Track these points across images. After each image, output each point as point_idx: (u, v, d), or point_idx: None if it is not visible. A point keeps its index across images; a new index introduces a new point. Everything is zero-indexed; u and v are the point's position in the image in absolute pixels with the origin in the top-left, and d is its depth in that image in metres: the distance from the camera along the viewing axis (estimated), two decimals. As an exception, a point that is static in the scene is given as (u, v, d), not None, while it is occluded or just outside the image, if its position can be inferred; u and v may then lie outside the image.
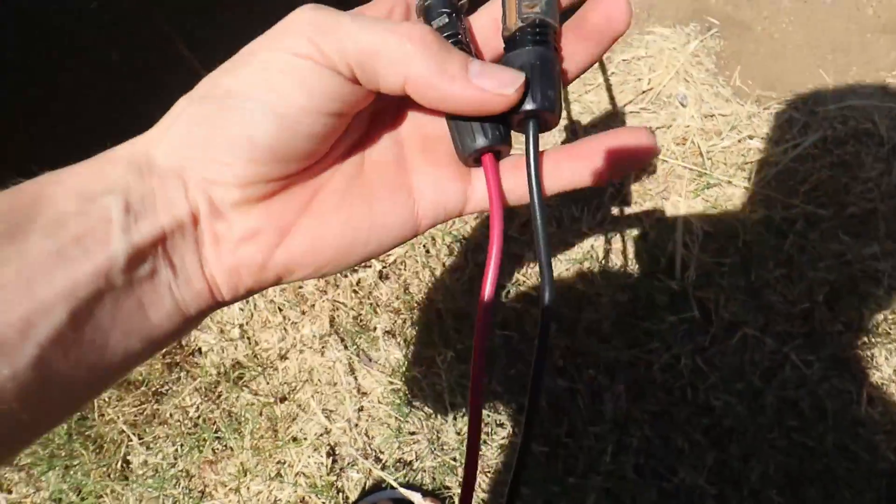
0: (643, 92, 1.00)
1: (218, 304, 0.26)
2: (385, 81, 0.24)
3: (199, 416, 0.99)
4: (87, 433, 1.01)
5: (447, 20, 0.26)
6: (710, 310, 0.86)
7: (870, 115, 0.90)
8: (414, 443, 0.91)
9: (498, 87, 0.24)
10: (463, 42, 0.26)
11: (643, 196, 0.92)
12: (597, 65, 1.03)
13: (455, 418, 0.91)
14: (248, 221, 0.26)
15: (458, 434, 0.89)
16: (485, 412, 0.89)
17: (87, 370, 0.23)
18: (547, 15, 0.26)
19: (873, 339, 0.82)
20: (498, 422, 0.89)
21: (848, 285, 0.83)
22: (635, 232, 0.91)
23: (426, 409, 0.92)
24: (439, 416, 0.91)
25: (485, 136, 0.25)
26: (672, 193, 0.92)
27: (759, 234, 0.87)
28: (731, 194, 0.90)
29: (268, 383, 0.99)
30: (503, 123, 0.26)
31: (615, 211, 0.92)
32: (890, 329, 0.82)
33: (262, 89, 0.24)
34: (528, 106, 0.25)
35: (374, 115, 0.28)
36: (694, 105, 0.96)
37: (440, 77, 0.24)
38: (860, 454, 0.77)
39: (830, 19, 1.00)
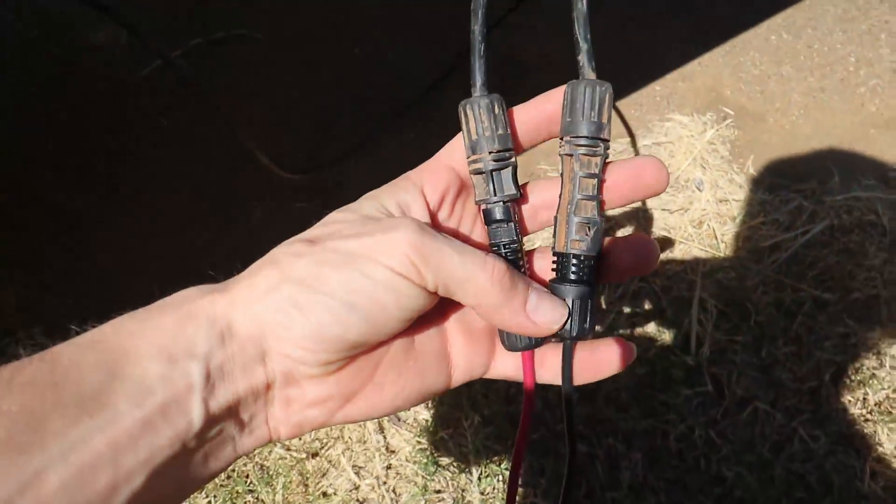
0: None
1: (272, 442, 0.31)
2: (461, 299, 0.30)
3: (232, 470, 1.07)
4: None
5: (509, 258, 0.32)
6: (723, 384, 0.94)
7: (873, 206, 1.01)
8: (439, 501, 0.98)
9: (548, 323, 0.30)
10: (517, 248, 0.32)
11: (662, 276, 1.02)
12: (620, 149, 1.14)
13: (479, 478, 0.98)
14: (320, 390, 0.30)
15: (482, 493, 0.97)
16: (507, 474, 0.97)
17: None
18: (591, 251, 0.31)
19: (876, 417, 0.90)
20: (521, 482, 0.96)
21: (852, 365, 0.92)
22: (653, 309, 1.00)
23: (452, 468, 1.00)
24: (464, 476, 0.98)
25: (529, 340, 0.32)
26: (689, 274, 1.01)
27: (770, 315, 0.96)
28: (744, 276, 1.00)
29: (300, 439, 1.07)
30: None
31: (634, 288, 1.01)
32: (892, 408, 0.90)
33: (363, 297, 0.28)
34: (572, 333, 0.31)
35: None
36: (710, 190, 1.07)
37: (505, 309, 0.30)
38: (864, 528, 0.84)
39: (837, 114, 1.11)
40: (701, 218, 1.04)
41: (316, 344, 0.28)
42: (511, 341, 0.32)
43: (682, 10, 1.25)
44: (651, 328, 0.99)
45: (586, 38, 0.31)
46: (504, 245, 0.32)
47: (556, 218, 0.32)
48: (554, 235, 0.33)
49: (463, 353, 0.33)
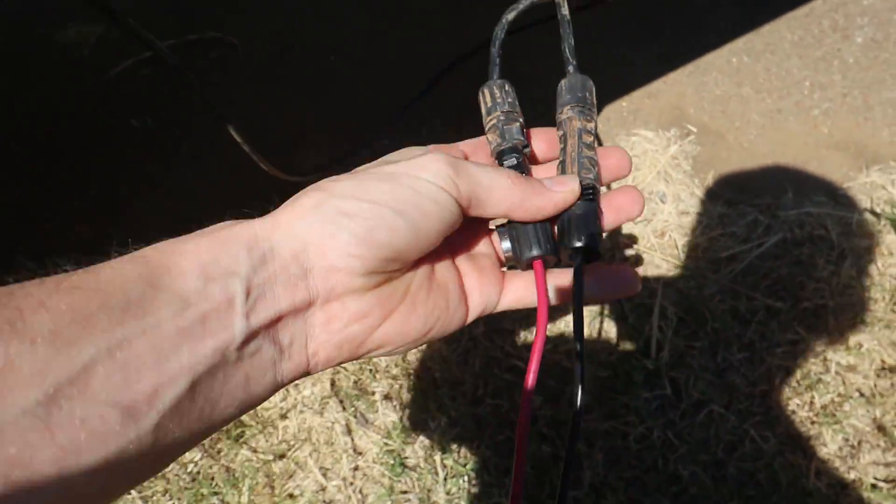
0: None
1: (307, 374, 0.32)
2: (489, 206, 0.34)
3: (198, 472, 1.12)
4: (83, 485, 1.13)
5: (515, 162, 0.38)
6: (681, 388, 1.04)
7: (823, 221, 1.12)
8: (406, 501, 1.05)
9: (569, 191, 0.36)
10: (595, 140, 0.39)
11: (624, 282, 1.11)
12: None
13: (445, 479, 1.05)
14: (361, 304, 0.32)
15: (448, 494, 1.04)
16: (473, 474, 1.05)
17: (190, 433, 0.27)
18: (596, 181, 0.38)
19: (822, 419, 1.00)
20: (486, 482, 1.04)
21: (801, 370, 1.03)
22: (616, 316, 1.10)
23: (418, 469, 1.06)
24: (430, 477, 1.05)
25: (539, 247, 0.36)
26: (650, 282, 1.11)
27: (726, 322, 1.06)
28: (703, 285, 1.10)
29: (267, 441, 1.13)
30: (551, 242, 0.37)
31: (599, 294, 1.11)
32: (836, 411, 1.00)
33: (410, 206, 0.31)
34: (578, 244, 0.36)
35: None
36: (672, 202, 1.17)
37: (530, 197, 0.35)
38: (808, 522, 0.94)
39: (792, 134, 1.23)
40: (663, 229, 1.14)
41: (365, 249, 0.30)
42: (522, 251, 0.37)
43: (650, 32, 1.36)
44: (613, 333, 1.09)
45: (569, 40, 0.42)
46: (515, 161, 0.39)
47: (560, 165, 0.40)
48: None
49: (476, 287, 0.37)
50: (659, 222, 1.15)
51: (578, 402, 0.35)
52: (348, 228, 0.30)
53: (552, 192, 0.36)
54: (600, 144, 0.41)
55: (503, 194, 0.34)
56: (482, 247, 0.40)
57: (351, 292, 0.31)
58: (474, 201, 0.33)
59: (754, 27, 1.34)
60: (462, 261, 0.38)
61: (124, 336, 0.25)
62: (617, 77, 1.32)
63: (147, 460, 0.26)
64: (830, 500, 0.95)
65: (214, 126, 1.29)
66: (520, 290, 0.39)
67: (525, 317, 1.12)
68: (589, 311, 1.11)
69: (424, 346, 1.13)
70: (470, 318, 0.37)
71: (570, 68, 0.42)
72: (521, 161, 0.39)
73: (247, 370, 0.29)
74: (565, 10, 0.42)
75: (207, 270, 0.28)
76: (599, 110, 1.30)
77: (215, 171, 1.27)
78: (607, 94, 1.31)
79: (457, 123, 1.29)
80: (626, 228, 1.16)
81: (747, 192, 1.18)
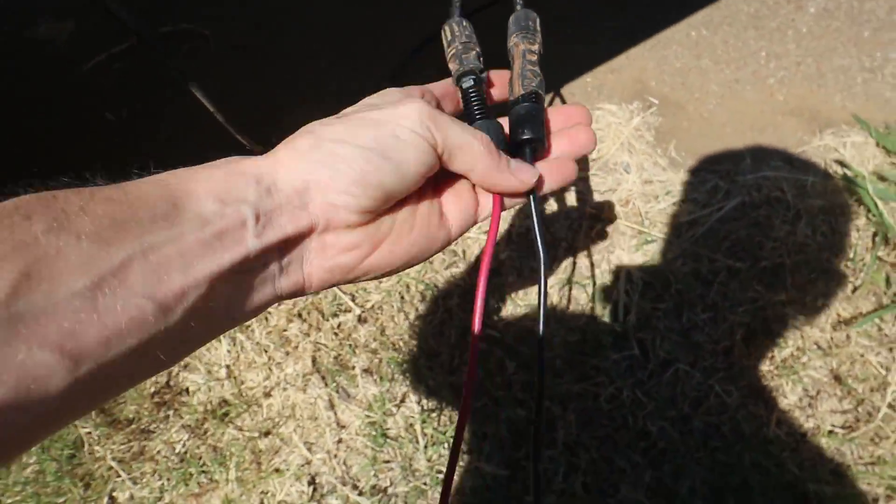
0: (593, 160, 1.24)
1: (304, 293, 0.36)
2: (458, 166, 0.38)
3: (185, 452, 1.14)
4: (75, 470, 1.14)
5: (472, 83, 0.43)
6: (648, 348, 1.07)
7: (779, 184, 1.15)
8: (388, 470, 1.08)
9: (528, 179, 0.40)
10: (482, 96, 0.43)
11: (592, 250, 1.14)
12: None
13: (426, 447, 1.08)
14: (352, 237, 0.36)
15: (429, 460, 1.07)
16: (452, 441, 1.08)
17: (207, 329, 0.32)
18: (539, 88, 0.43)
19: (781, 372, 1.04)
20: (465, 449, 1.07)
21: (761, 327, 1.06)
22: (585, 281, 1.13)
23: (400, 439, 1.09)
24: (411, 445, 1.08)
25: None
26: (616, 248, 1.14)
27: (689, 284, 1.10)
28: (666, 249, 1.13)
29: (252, 419, 1.15)
30: (503, 143, 0.41)
31: (567, 263, 1.14)
32: (794, 363, 1.04)
33: (395, 151, 0.34)
34: (526, 136, 0.41)
35: None
36: (636, 172, 1.20)
37: (495, 170, 0.38)
38: (770, 469, 0.97)
39: (749, 103, 1.26)
40: (627, 197, 1.17)
41: (360, 188, 0.34)
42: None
43: (611, 8, 1.38)
44: (583, 299, 1.12)
45: None
46: (469, 88, 0.43)
47: (510, 82, 0.45)
48: (511, 92, 0.45)
49: (455, 211, 0.41)
50: (623, 191, 1.18)
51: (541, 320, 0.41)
52: (343, 171, 0.34)
53: (511, 176, 0.39)
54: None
55: (473, 158, 0.38)
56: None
57: (344, 226, 0.35)
58: (446, 155, 0.37)
59: (712, 1, 1.37)
60: (444, 192, 0.42)
61: (155, 242, 0.28)
62: (580, 54, 1.34)
63: (172, 349, 0.29)
64: (790, 447, 0.99)
65: (189, 114, 1.30)
66: (490, 202, 0.42)
67: (497, 288, 1.14)
68: (557, 279, 1.13)
69: (402, 320, 1.16)
70: (454, 235, 0.41)
71: (518, 6, 0.47)
72: (478, 82, 0.43)
73: (255, 282, 0.33)
74: None
75: (221, 196, 0.31)
76: (564, 84, 1.32)
77: (193, 159, 1.28)
78: (571, 71, 1.33)
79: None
80: (593, 200, 1.19)
81: (707, 160, 1.21)
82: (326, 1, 1.46)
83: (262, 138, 1.14)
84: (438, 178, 0.41)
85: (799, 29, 1.33)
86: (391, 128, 0.35)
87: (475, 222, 0.42)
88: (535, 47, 0.45)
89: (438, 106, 0.44)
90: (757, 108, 1.25)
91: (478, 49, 0.45)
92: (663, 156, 1.22)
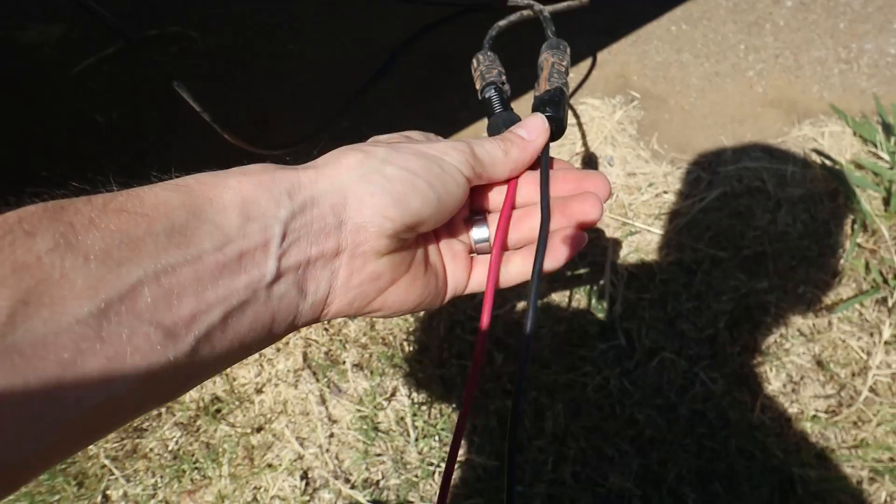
0: (577, 153, 1.24)
1: (318, 320, 0.34)
2: (497, 177, 0.40)
3: (178, 449, 1.13)
4: (68, 469, 1.13)
5: (494, 92, 0.48)
6: (634, 338, 1.07)
7: (760, 174, 1.15)
8: (380, 463, 1.07)
9: (541, 132, 0.41)
10: (503, 98, 0.48)
11: (577, 242, 1.14)
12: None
13: (417, 439, 1.08)
14: (377, 266, 0.34)
15: (420, 453, 1.07)
16: (443, 433, 1.07)
17: (218, 358, 0.29)
18: (564, 85, 0.47)
19: (765, 358, 1.04)
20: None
21: (744, 314, 1.06)
22: (571, 273, 1.13)
23: (391, 432, 1.09)
24: (402, 438, 1.08)
25: (508, 118, 0.47)
26: (601, 240, 1.14)
27: (673, 273, 1.10)
28: (650, 240, 1.13)
29: (244, 416, 1.14)
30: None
31: (553, 255, 1.14)
32: (777, 350, 1.04)
33: (438, 182, 0.34)
34: (548, 113, 0.44)
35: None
36: (619, 165, 1.20)
37: (521, 158, 0.40)
38: (756, 454, 0.97)
39: (729, 95, 1.26)
40: (611, 190, 1.17)
41: (398, 212, 0.32)
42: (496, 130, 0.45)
43: (593, 4, 1.39)
44: (569, 290, 1.12)
45: (550, 28, 0.56)
46: (494, 91, 0.48)
47: (537, 84, 0.48)
48: (538, 89, 0.48)
49: (451, 270, 0.41)
50: (607, 184, 1.18)
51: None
52: (388, 189, 0.32)
53: (533, 142, 0.41)
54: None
55: (502, 167, 0.39)
56: (458, 234, 0.43)
57: (373, 251, 0.33)
58: (483, 176, 0.39)
59: (691, -4, 1.37)
60: (443, 245, 0.42)
61: (169, 263, 0.26)
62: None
63: (179, 379, 0.27)
64: (775, 433, 0.99)
65: (179, 115, 1.29)
66: (482, 276, 0.43)
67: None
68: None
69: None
70: (447, 298, 0.41)
71: (550, 35, 0.55)
72: (499, 91, 0.48)
73: (272, 308, 0.30)
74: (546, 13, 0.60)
75: (248, 208, 0.29)
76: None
77: (184, 159, 1.28)
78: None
79: (412, 103, 1.31)
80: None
81: (689, 152, 1.21)
82: (313, 1, 1.46)
83: (250, 137, 1.14)
84: (441, 234, 0.42)
85: (776, 22, 1.34)
86: (436, 160, 0.35)
87: (464, 291, 0.42)
88: (565, 63, 0.49)
89: None
90: (737, 101, 1.25)
91: (500, 69, 0.50)
92: (646, 148, 1.22)
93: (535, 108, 0.46)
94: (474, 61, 0.51)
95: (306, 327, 1.16)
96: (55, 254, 0.23)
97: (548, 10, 0.61)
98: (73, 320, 0.23)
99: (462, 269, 0.42)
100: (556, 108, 0.45)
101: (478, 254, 0.43)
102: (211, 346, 0.28)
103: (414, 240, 0.37)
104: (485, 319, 0.38)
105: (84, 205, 0.26)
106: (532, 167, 0.43)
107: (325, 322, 1.16)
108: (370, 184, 0.32)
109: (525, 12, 0.61)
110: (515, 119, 0.45)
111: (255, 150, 1.09)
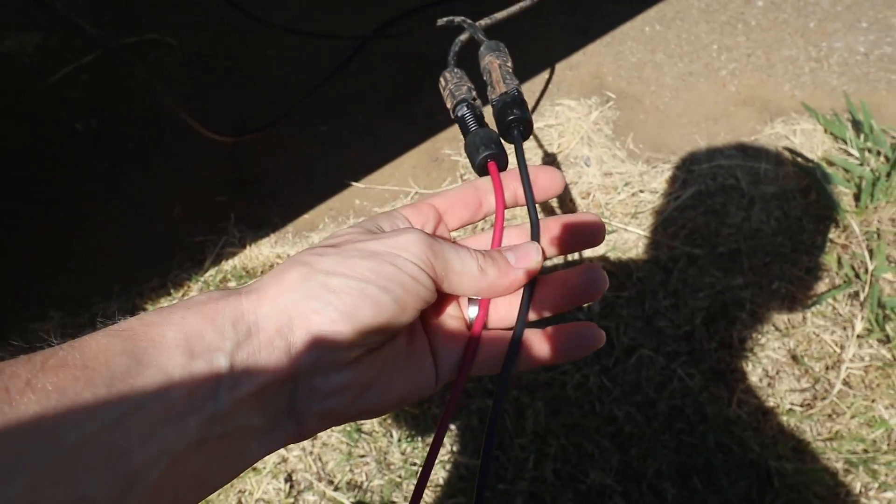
0: (554, 153, 1.22)
1: (299, 440, 0.31)
2: (462, 291, 0.34)
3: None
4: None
5: (466, 110, 0.44)
6: (613, 336, 1.05)
7: (734, 172, 1.14)
8: (364, 465, 1.05)
9: (532, 262, 0.35)
10: (476, 114, 0.44)
11: (555, 242, 1.13)
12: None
13: (399, 440, 1.06)
14: (341, 378, 0.31)
15: (403, 454, 1.05)
16: (426, 433, 1.06)
17: (180, 499, 0.27)
18: (518, 87, 0.45)
19: (741, 354, 1.03)
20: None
21: (720, 311, 1.05)
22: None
23: (374, 434, 1.07)
24: (385, 440, 1.06)
25: (487, 148, 0.41)
26: (579, 239, 1.13)
27: (650, 271, 1.08)
28: (627, 239, 1.12)
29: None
30: (496, 143, 0.41)
31: (532, 255, 1.12)
32: (753, 345, 1.03)
33: (393, 283, 0.31)
34: (514, 115, 0.42)
35: None
36: (596, 165, 1.19)
37: (498, 281, 0.34)
38: (733, 448, 0.96)
39: (702, 94, 1.25)
40: (588, 190, 1.16)
41: (349, 325, 0.30)
42: (473, 157, 0.42)
43: (568, 6, 1.37)
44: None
45: (476, 26, 0.52)
46: (467, 108, 0.45)
47: (490, 87, 0.45)
48: (493, 92, 0.45)
49: (442, 356, 0.36)
50: (584, 184, 1.17)
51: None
52: (333, 304, 0.30)
53: (516, 270, 0.35)
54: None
55: (471, 281, 0.34)
56: (451, 310, 0.39)
57: (332, 365, 0.31)
58: (446, 283, 0.34)
59: (664, -3, 1.36)
60: (434, 328, 0.37)
61: (112, 419, 0.24)
62: (540, 52, 1.33)
63: None
64: (752, 427, 0.98)
65: (158, 122, 1.27)
66: (484, 355, 0.38)
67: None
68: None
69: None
70: (437, 386, 0.36)
71: (483, 40, 0.50)
72: (471, 107, 0.45)
73: (233, 441, 0.28)
74: (461, 18, 0.53)
75: (192, 345, 0.27)
76: (524, 82, 1.30)
77: (162, 166, 1.25)
78: (531, 69, 1.32)
79: (390, 106, 1.29)
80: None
81: (664, 151, 1.19)
82: (286, 6, 1.43)
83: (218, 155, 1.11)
84: (428, 314, 0.37)
85: (748, 22, 1.32)
86: (390, 258, 0.31)
87: (464, 375, 0.38)
88: (510, 63, 0.47)
89: (439, 223, 0.39)
90: (710, 100, 1.24)
91: (470, 84, 0.47)
92: (622, 148, 1.21)
93: (499, 111, 0.43)
94: (442, 80, 0.49)
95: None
96: None
97: (501, 14, 0.57)
98: (5, 499, 0.22)
99: (456, 351, 0.36)
100: (523, 109, 0.43)
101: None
102: (166, 494, 0.26)
103: (387, 339, 0.33)
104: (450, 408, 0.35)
105: (23, 366, 0.24)
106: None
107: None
108: (314, 300, 0.30)
109: (457, 19, 0.56)
110: (493, 136, 0.41)
111: (222, 138, 1.08)
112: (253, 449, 0.29)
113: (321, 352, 0.30)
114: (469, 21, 0.54)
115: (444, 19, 0.57)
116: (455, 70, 0.50)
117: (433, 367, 0.36)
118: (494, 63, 0.47)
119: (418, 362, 0.35)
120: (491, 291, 0.35)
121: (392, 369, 0.33)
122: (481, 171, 0.41)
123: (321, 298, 0.30)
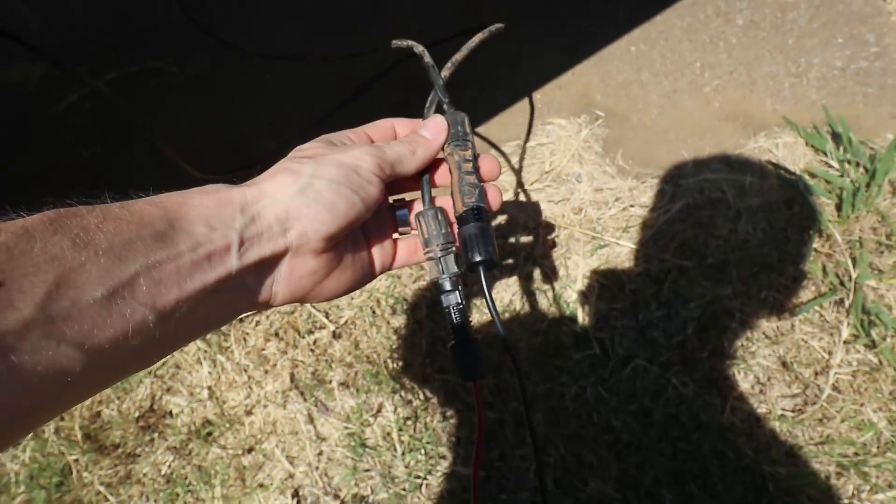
0: (546, 172, 1.22)
1: (268, 307, 0.40)
2: (406, 172, 0.44)
3: (171, 473, 1.09)
4: (64, 497, 1.09)
5: (459, 299, 0.44)
6: (608, 347, 1.05)
7: (720, 185, 1.14)
8: (369, 479, 1.04)
9: (439, 131, 0.46)
10: (463, 308, 0.44)
11: (549, 257, 1.12)
12: (510, 150, 1.25)
13: (403, 454, 1.05)
14: (313, 264, 0.40)
15: (407, 466, 1.04)
16: (429, 446, 1.04)
17: (186, 335, 0.35)
18: (480, 202, 0.44)
19: (733, 362, 1.02)
20: (441, 454, 1.04)
21: (711, 320, 1.04)
22: (544, 287, 1.10)
23: (378, 448, 1.06)
24: (389, 453, 1.05)
25: (479, 253, 0.43)
26: (572, 254, 1.12)
27: (642, 283, 1.08)
28: (619, 252, 1.11)
29: (235, 437, 1.11)
30: (492, 245, 0.43)
31: (527, 270, 1.11)
32: (744, 353, 1.03)
33: (358, 187, 0.40)
34: (477, 258, 0.42)
35: None
36: (587, 181, 1.18)
37: (424, 153, 0.45)
38: (728, 454, 0.95)
39: (687, 111, 1.25)
40: (580, 205, 1.15)
41: (330, 216, 0.38)
42: (466, 373, 0.44)
43: (556, 27, 1.37)
44: (543, 304, 1.09)
45: (438, 82, 0.48)
46: (453, 306, 0.44)
47: (451, 195, 0.45)
48: (454, 206, 0.44)
49: (377, 254, 0.47)
50: (576, 200, 1.16)
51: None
52: (320, 201, 0.38)
53: (433, 141, 0.46)
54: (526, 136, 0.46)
55: (411, 163, 0.44)
56: (383, 219, 0.48)
57: (311, 251, 0.39)
58: (394, 174, 0.43)
59: (648, 17, 1.36)
60: (370, 232, 0.47)
61: (157, 259, 0.31)
62: (529, 73, 1.33)
63: (159, 350, 0.33)
64: (745, 433, 0.97)
65: (159, 147, 1.25)
66: (403, 253, 0.48)
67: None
68: (518, 287, 1.11)
69: (375, 333, 1.12)
70: (376, 275, 0.47)
71: (445, 106, 0.48)
72: (462, 307, 0.45)
73: (232, 296, 0.36)
74: (427, 59, 0.49)
75: (211, 221, 0.34)
76: (514, 102, 1.30)
77: (167, 190, 1.24)
78: (522, 89, 1.31)
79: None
80: (548, 208, 1.17)
81: (653, 166, 1.19)
82: (287, 33, 1.42)
83: (228, 168, 1.11)
84: (368, 231, 0.46)
85: (729, 40, 1.33)
86: (353, 168, 0.40)
87: (391, 268, 0.48)
88: (469, 153, 0.45)
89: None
90: (695, 116, 1.24)
91: (454, 249, 0.45)
92: (612, 164, 1.21)
93: (464, 242, 0.43)
94: (420, 221, 0.47)
95: (293, 349, 1.13)
96: (75, 249, 0.28)
97: (473, 41, 0.52)
98: (91, 300, 0.28)
99: (387, 250, 0.47)
100: (486, 248, 0.42)
101: (401, 235, 0.49)
102: (187, 325, 0.34)
103: (343, 238, 0.41)
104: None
105: (90, 213, 0.31)
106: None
107: (312, 343, 1.12)
108: (305, 197, 0.38)
109: (417, 49, 0.52)
110: (481, 356, 0.45)
111: (203, 175, 1.09)
112: (244, 305, 0.38)
113: (307, 238, 0.38)
114: (425, 57, 0.50)
115: (400, 42, 0.54)
116: (437, 213, 0.45)
117: (371, 265, 0.46)
118: (453, 159, 0.46)
119: (361, 260, 0.45)
120: (425, 163, 0.45)
121: (345, 265, 0.43)
122: (469, 268, 0.44)
123: (310, 196, 0.38)
